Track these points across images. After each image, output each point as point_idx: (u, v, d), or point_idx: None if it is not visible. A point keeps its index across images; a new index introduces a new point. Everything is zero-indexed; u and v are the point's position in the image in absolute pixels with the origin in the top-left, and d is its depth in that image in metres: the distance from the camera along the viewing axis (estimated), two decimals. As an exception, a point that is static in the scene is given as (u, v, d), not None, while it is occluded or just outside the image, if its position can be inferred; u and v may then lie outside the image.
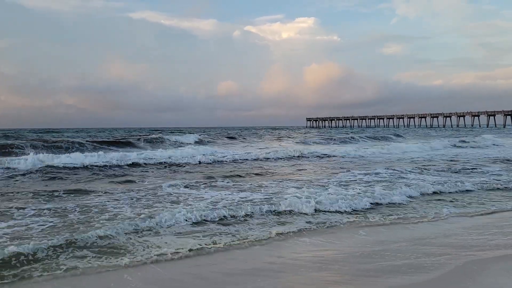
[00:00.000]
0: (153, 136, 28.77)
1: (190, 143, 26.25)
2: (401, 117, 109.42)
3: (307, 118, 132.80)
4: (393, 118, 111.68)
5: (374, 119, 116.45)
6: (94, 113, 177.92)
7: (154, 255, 4.85)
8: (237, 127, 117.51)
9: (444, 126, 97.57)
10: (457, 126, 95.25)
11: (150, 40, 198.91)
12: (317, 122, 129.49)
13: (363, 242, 5.58)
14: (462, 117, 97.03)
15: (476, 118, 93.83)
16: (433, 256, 4.92)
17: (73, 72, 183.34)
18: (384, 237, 5.79)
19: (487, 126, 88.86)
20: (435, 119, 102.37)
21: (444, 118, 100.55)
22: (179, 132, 45.36)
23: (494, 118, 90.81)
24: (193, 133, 37.06)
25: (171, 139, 28.24)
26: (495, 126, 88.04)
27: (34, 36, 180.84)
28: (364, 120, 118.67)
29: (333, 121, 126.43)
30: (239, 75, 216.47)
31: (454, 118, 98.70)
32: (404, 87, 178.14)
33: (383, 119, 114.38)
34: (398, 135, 42.58)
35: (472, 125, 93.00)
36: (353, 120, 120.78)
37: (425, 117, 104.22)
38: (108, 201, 7.97)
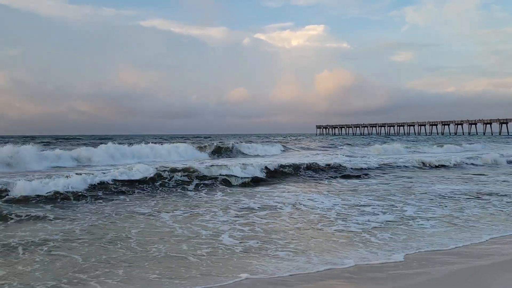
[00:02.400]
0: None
1: (275, 154, 26.59)
2: (411, 125, 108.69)
3: (316, 126, 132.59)
4: (403, 126, 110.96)
5: (384, 126, 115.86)
6: (107, 119, 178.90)
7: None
8: (248, 134, 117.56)
9: (455, 134, 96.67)
10: (469, 133, 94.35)
11: (161, 48, 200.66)
12: (327, 129, 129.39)
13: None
14: (474, 125, 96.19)
15: (488, 125, 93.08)
16: (440, 265, 4.92)
17: (86, 80, 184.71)
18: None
19: (500, 134, 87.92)
20: (446, 126, 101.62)
21: (456, 125, 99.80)
22: (194, 139, 45.56)
23: (507, 125, 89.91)
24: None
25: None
26: (508, 134, 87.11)
27: (48, 44, 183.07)
28: (374, 128, 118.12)
29: (343, 129, 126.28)
30: (249, 82, 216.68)
31: (465, 125, 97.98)
32: (415, 94, 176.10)
33: (393, 126, 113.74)
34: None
35: (484, 133, 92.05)
36: (363, 128, 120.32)
37: (436, 125, 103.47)
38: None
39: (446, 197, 9.95)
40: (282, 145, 31.60)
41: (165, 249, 5.51)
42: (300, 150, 31.29)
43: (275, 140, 46.72)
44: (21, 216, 7.34)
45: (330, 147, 34.38)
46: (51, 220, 7.20)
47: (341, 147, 33.39)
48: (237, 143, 27.48)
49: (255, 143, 31.19)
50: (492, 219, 7.51)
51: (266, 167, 14.14)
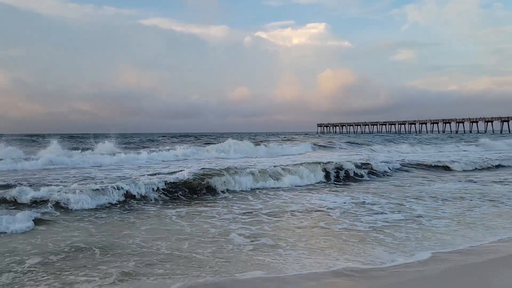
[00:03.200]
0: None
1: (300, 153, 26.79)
2: (413, 123, 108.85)
3: (318, 124, 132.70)
4: (404, 124, 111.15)
5: (385, 125, 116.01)
6: (109, 119, 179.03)
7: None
8: (251, 132, 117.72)
9: (457, 132, 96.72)
10: (470, 132, 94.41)
11: (162, 48, 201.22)
12: (328, 128, 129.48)
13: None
14: (475, 123, 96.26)
15: (489, 124, 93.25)
16: (441, 262, 5.06)
17: (86, 80, 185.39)
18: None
19: (501, 132, 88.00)
20: (447, 124, 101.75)
21: (457, 124, 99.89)
22: (194, 138, 45.74)
23: (508, 124, 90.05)
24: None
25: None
26: (509, 132, 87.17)
27: (48, 44, 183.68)
28: (375, 126, 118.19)
29: (344, 127, 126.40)
30: (250, 81, 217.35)
31: (467, 124, 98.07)
32: (416, 93, 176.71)
33: (394, 124, 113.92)
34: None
35: (485, 131, 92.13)
36: (364, 126, 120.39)
37: (437, 123, 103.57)
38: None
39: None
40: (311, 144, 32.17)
41: (175, 246, 5.68)
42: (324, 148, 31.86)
43: (286, 138, 47.01)
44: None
45: (337, 145, 34.74)
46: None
47: (373, 145, 32.82)
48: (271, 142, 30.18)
49: (282, 143, 32.27)
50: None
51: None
